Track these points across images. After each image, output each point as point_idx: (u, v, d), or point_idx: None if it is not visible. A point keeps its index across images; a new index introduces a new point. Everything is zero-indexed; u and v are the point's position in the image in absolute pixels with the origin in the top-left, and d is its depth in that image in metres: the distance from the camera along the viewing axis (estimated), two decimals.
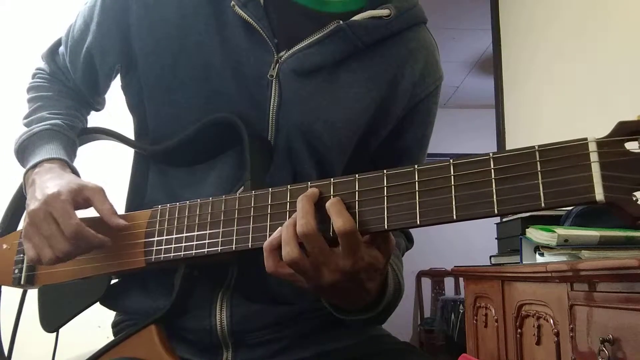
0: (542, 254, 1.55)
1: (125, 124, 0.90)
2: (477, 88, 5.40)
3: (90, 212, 0.78)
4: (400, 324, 5.30)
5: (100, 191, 0.76)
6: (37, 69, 0.97)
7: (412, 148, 0.87)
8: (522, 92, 2.84)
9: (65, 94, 0.94)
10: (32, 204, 0.75)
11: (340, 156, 0.81)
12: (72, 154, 0.86)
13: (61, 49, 0.94)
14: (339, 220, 0.59)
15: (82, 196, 0.75)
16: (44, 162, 0.80)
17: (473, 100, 5.67)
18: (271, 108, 0.78)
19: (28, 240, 0.76)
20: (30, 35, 2.20)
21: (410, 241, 0.93)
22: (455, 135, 5.54)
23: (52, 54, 0.95)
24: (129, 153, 0.89)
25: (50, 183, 0.75)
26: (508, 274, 1.77)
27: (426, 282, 5.78)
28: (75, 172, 0.83)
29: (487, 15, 3.22)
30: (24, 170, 0.83)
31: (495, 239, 2.18)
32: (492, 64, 3.21)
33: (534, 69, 2.71)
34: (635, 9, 1.95)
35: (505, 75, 3.03)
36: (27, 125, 0.88)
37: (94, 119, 1.00)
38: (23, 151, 0.85)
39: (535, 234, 1.58)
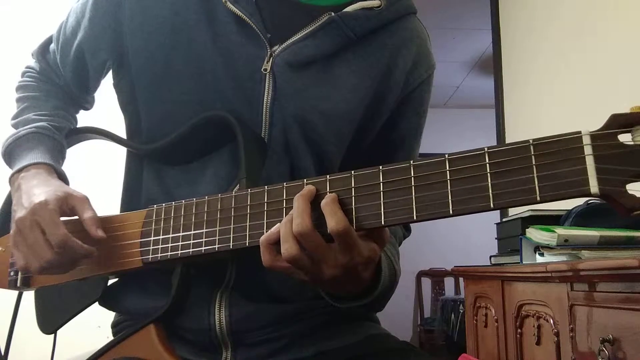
0: (542, 254, 1.55)
1: (117, 123, 0.90)
2: (477, 88, 5.40)
3: None
4: (400, 324, 5.29)
5: (85, 200, 0.76)
6: (26, 67, 0.97)
7: (407, 138, 0.88)
8: (522, 92, 2.84)
9: (54, 94, 0.93)
10: (19, 212, 0.74)
11: (338, 148, 0.81)
12: (59, 156, 0.86)
13: (52, 46, 0.94)
14: (332, 221, 0.59)
15: (68, 205, 0.75)
16: (30, 166, 0.80)
17: (473, 100, 5.67)
18: (265, 102, 0.78)
19: (16, 248, 0.76)
20: (25, 36, 2.20)
21: (407, 230, 0.94)
22: (455, 135, 5.54)
23: (43, 51, 0.95)
24: (122, 152, 0.89)
25: (37, 190, 0.75)
26: (508, 274, 1.77)
27: (426, 282, 5.78)
28: (62, 176, 0.83)
29: (487, 15, 3.22)
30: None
31: (495, 239, 2.18)
32: (492, 64, 3.21)
33: (534, 69, 2.71)
34: (635, 8, 1.94)
35: (505, 75, 3.03)
36: (14, 126, 0.88)
37: (88, 119, 0.99)
38: (9, 155, 0.85)
39: (535, 234, 1.58)
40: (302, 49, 0.78)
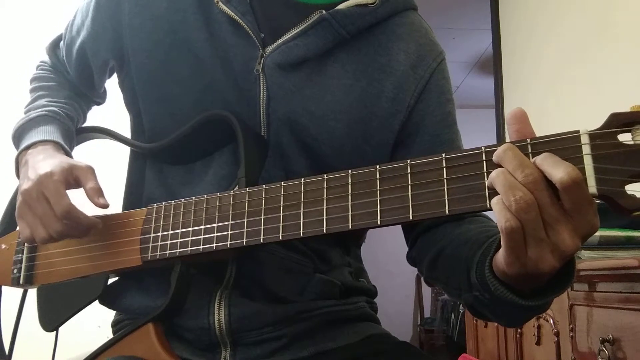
0: None
1: (124, 122, 0.90)
2: (477, 88, 5.40)
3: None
4: (400, 324, 5.29)
5: (89, 170, 0.77)
6: (40, 62, 0.99)
7: (440, 130, 0.83)
8: (522, 92, 2.84)
9: (67, 85, 0.95)
10: (24, 184, 0.76)
11: (333, 150, 0.79)
12: (67, 140, 0.86)
13: (61, 43, 0.95)
14: (559, 171, 0.50)
15: (73, 175, 0.76)
16: (38, 143, 0.81)
17: (473, 100, 5.67)
18: (261, 103, 0.77)
19: (21, 219, 0.77)
20: (30, 35, 2.20)
21: None
22: None
23: (54, 47, 0.97)
24: (125, 151, 0.89)
25: (43, 163, 0.76)
26: None
27: None
28: (68, 154, 0.83)
29: (487, 15, 3.22)
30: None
31: None
32: (492, 64, 3.21)
33: (534, 69, 2.71)
34: (637, 9, 1.94)
35: (505, 75, 3.03)
36: (26, 113, 0.89)
37: (94, 118, 1.00)
38: (19, 136, 0.86)
39: None
40: (292, 49, 0.77)
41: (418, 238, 0.83)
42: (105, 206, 0.75)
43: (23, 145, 0.82)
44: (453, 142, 0.84)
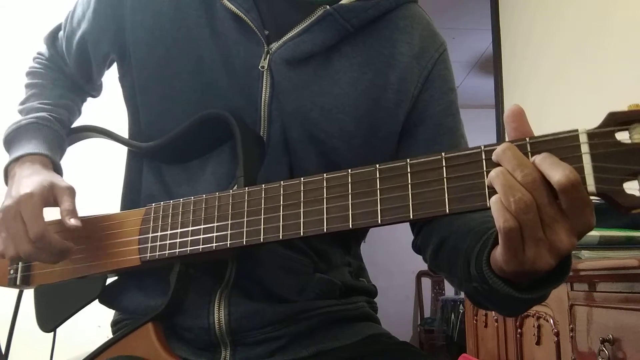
0: None
1: (121, 120, 0.90)
2: (477, 88, 5.40)
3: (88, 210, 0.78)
4: (400, 324, 5.29)
5: (67, 190, 0.76)
6: (37, 53, 0.98)
7: (444, 119, 0.84)
8: (522, 92, 2.84)
9: (60, 83, 0.95)
10: (6, 201, 0.76)
11: (343, 144, 0.79)
12: (56, 148, 0.86)
13: (61, 33, 0.95)
14: (557, 173, 0.51)
15: (52, 195, 0.76)
16: (26, 157, 0.81)
17: (473, 100, 5.67)
18: (263, 100, 0.78)
19: None
20: (29, 29, 2.20)
21: None
22: None
23: (52, 38, 0.97)
24: (123, 150, 0.89)
25: (26, 181, 0.76)
26: None
27: (426, 282, 5.78)
28: (57, 167, 0.84)
29: (487, 15, 3.22)
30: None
31: None
32: (492, 64, 3.20)
33: (534, 69, 2.70)
34: (637, 8, 1.94)
35: (505, 75, 3.03)
36: (20, 112, 0.90)
37: (91, 116, 0.99)
38: (9, 143, 0.86)
39: None
40: (299, 45, 0.78)
41: (422, 227, 0.83)
42: (76, 227, 0.74)
43: (11, 157, 0.82)
44: (456, 131, 0.85)
